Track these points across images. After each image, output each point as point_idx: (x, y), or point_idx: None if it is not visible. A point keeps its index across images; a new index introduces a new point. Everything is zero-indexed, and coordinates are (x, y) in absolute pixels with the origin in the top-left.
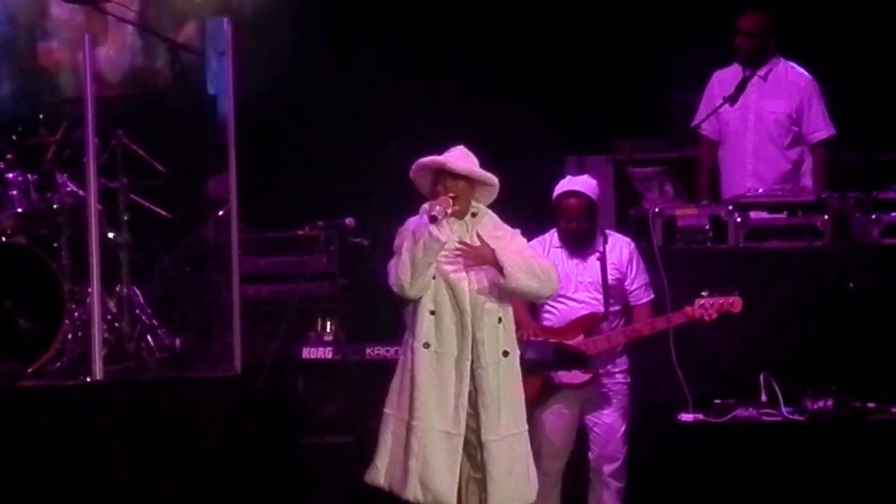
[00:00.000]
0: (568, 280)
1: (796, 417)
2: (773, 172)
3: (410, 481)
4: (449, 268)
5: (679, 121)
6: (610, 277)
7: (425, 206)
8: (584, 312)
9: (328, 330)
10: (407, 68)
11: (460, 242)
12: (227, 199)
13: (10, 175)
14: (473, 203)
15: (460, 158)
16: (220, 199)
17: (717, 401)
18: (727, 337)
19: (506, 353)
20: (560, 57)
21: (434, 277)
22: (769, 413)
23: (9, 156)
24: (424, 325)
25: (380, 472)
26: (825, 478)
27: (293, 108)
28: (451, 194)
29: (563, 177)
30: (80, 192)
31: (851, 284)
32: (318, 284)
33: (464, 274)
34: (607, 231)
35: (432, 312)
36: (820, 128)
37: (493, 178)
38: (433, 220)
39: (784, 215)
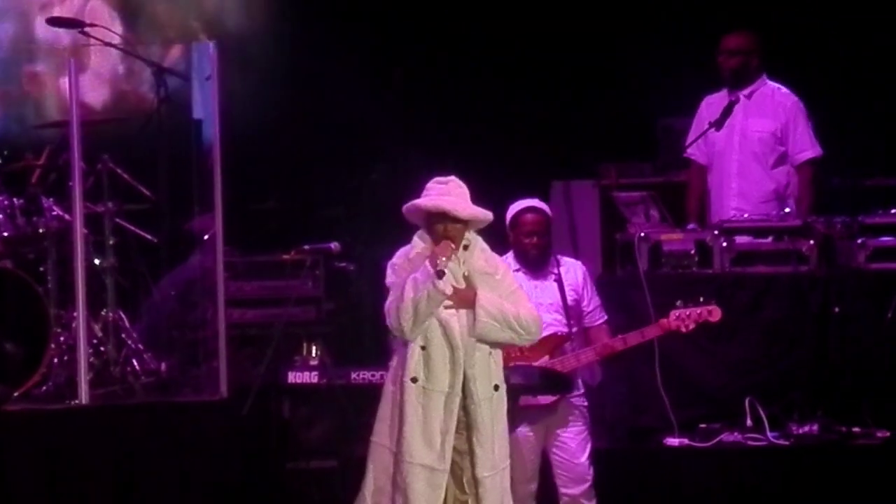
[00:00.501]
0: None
1: (782, 442)
2: (759, 192)
3: None
4: (442, 308)
5: (664, 145)
6: (568, 299)
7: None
8: (546, 333)
9: (314, 354)
10: (393, 94)
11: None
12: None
13: None
14: (467, 235)
15: (461, 201)
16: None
17: (703, 425)
18: (713, 361)
19: (496, 387)
20: (546, 82)
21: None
22: (754, 438)
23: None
24: (414, 360)
25: (366, 501)
26: (810, 503)
27: (279, 132)
28: (453, 242)
29: (548, 202)
30: (66, 217)
31: (837, 309)
32: (303, 309)
33: (454, 311)
34: (557, 255)
35: (423, 348)
36: (806, 147)
37: (490, 217)
38: (440, 275)
39: (770, 240)
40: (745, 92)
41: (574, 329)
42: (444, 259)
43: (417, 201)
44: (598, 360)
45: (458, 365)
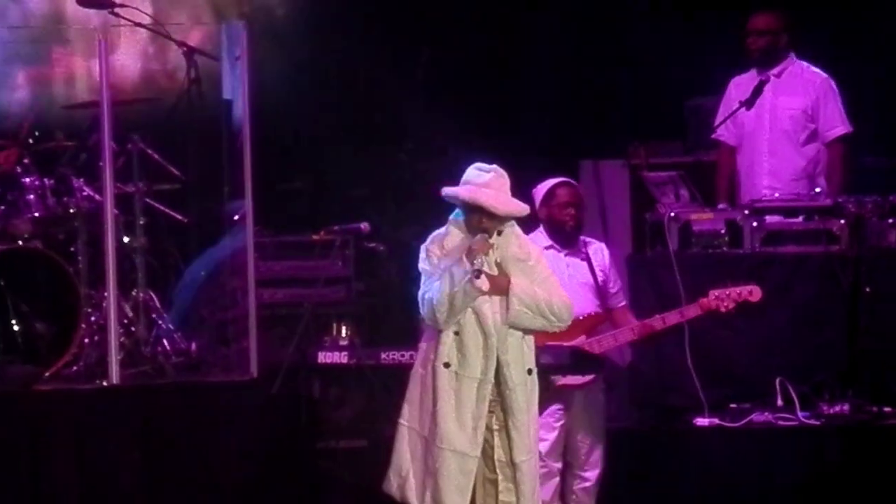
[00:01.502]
0: (563, 282)
1: (812, 422)
2: (790, 170)
3: (425, 498)
4: None
5: (693, 125)
6: (598, 279)
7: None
8: (585, 312)
9: (343, 334)
10: (420, 73)
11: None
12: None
13: (27, 179)
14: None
15: (501, 195)
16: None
17: (733, 405)
18: (743, 341)
19: (530, 371)
20: (574, 61)
21: None
22: (785, 418)
23: (25, 160)
24: (447, 346)
25: (393, 484)
26: (841, 483)
27: (309, 112)
28: (488, 233)
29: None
30: (97, 197)
31: (868, 289)
32: (333, 289)
33: (487, 297)
34: (583, 237)
35: (456, 333)
36: (836, 124)
37: (527, 210)
38: (478, 275)
39: (800, 219)
40: (775, 71)
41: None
42: (481, 257)
43: (457, 191)
44: (637, 341)
45: (491, 351)
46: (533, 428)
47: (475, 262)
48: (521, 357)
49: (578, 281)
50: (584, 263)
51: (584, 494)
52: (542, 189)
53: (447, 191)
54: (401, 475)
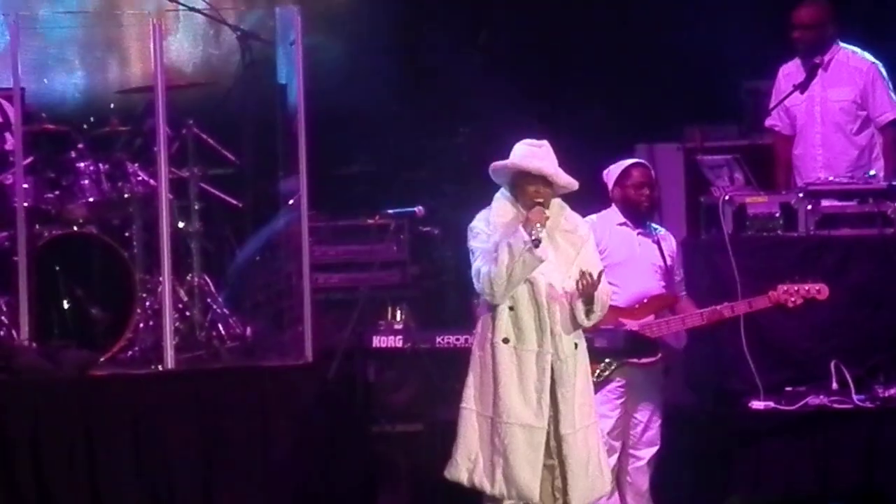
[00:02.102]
0: (635, 258)
1: (867, 405)
2: (844, 161)
3: (496, 477)
4: None
5: (749, 108)
6: (667, 263)
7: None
8: (655, 292)
9: (398, 318)
10: (478, 57)
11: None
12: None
13: (82, 164)
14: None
15: (551, 164)
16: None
17: (788, 388)
18: (798, 324)
19: (576, 345)
20: (630, 45)
21: None
22: (840, 400)
23: (80, 145)
24: (503, 321)
25: (461, 468)
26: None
27: (363, 96)
28: (545, 207)
29: None
30: (151, 182)
31: None
32: (388, 273)
33: (540, 269)
34: (652, 223)
35: (511, 308)
36: (886, 109)
37: (577, 185)
38: (537, 244)
39: (854, 203)
40: (822, 62)
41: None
42: (538, 226)
43: (517, 161)
44: (703, 327)
45: (544, 323)
46: (579, 402)
47: (533, 232)
48: (570, 329)
49: (649, 261)
50: (655, 245)
51: (638, 473)
52: (616, 170)
53: (498, 164)
54: (469, 459)
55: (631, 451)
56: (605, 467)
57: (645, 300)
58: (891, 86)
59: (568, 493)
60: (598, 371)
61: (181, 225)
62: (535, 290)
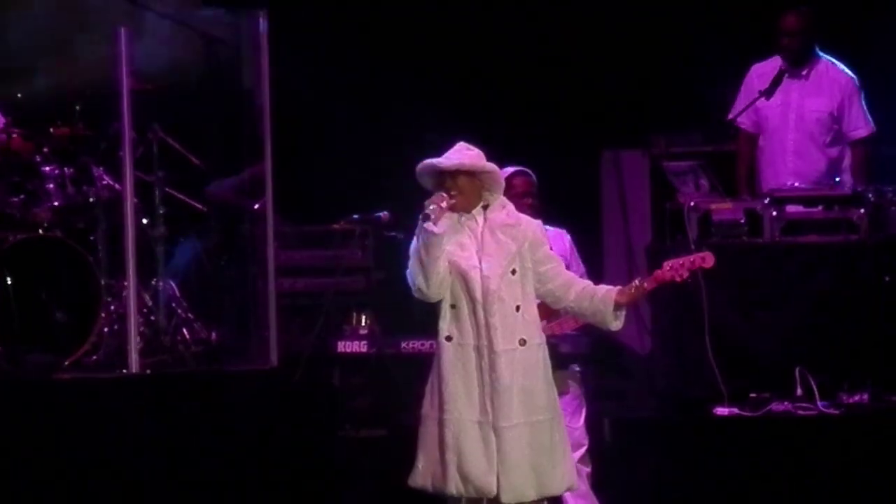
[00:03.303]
0: None
1: (832, 411)
2: (814, 171)
3: (450, 475)
4: (461, 261)
5: (714, 114)
6: None
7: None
8: None
9: (363, 324)
10: (443, 62)
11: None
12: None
13: (47, 168)
14: (486, 195)
15: (451, 155)
16: (257, 183)
17: (753, 395)
18: (763, 331)
19: (522, 342)
20: (595, 52)
21: (451, 273)
22: (805, 407)
23: (45, 149)
24: (447, 319)
25: (419, 473)
26: (861, 472)
27: (328, 101)
28: (450, 192)
29: (598, 172)
30: (117, 186)
31: (887, 278)
32: (353, 278)
33: (475, 263)
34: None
35: (453, 306)
36: (860, 125)
37: (488, 166)
38: (426, 218)
39: (820, 209)
40: (803, 71)
41: None
42: (433, 206)
43: (427, 162)
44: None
45: (479, 317)
46: (518, 399)
47: (426, 210)
48: (511, 324)
49: None
50: None
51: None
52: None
53: (418, 170)
54: (428, 464)
55: None
56: (562, 471)
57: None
58: (864, 102)
59: (499, 487)
60: None
61: (146, 229)
62: (468, 285)
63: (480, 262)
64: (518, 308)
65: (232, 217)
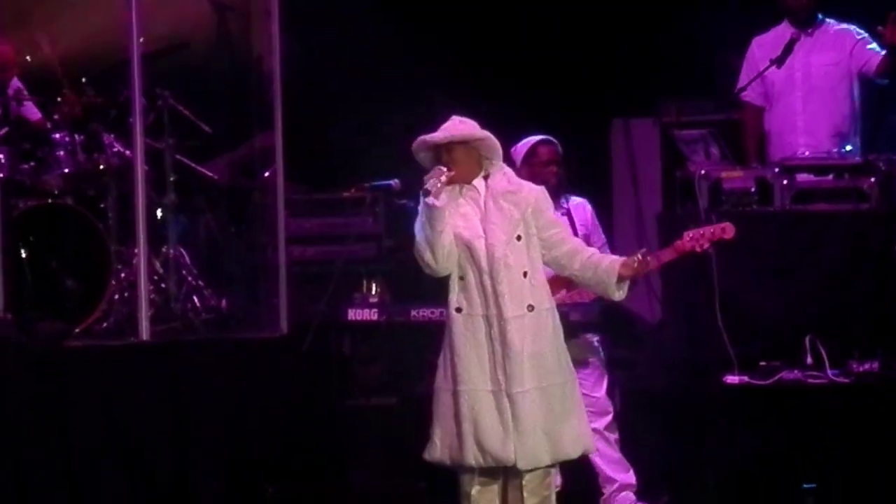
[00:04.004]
0: None
1: (842, 380)
2: (826, 127)
3: (467, 446)
4: (465, 232)
5: (724, 82)
6: (579, 234)
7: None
8: None
9: (373, 292)
10: (454, 31)
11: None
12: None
13: (57, 135)
14: (486, 164)
15: (445, 128)
16: (266, 151)
17: (763, 363)
18: (773, 299)
19: (531, 308)
20: (605, 19)
21: (457, 245)
22: (815, 376)
23: (55, 116)
24: (455, 291)
25: (437, 447)
26: (871, 440)
27: (340, 68)
28: (465, 170)
29: (609, 140)
30: (127, 153)
31: None
32: (363, 246)
33: (480, 233)
34: (565, 193)
35: (461, 277)
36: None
37: (481, 133)
38: (426, 192)
39: (830, 178)
40: (809, 30)
41: None
42: (433, 180)
43: (422, 138)
44: None
45: (487, 287)
46: (529, 364)
47: (426, 185)
48: (518, 291)
49: None
50: (565, 218)
51: (600, 442)
52: (522, 148)
53: (414, 147)
54: (443, 439)
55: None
56: (574, 435)
57: (555, 276)
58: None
59: (516, 455)
60: None
61: (157, 196)
62: (473, 254)
63: (485, 231)
64: (525, 274)
65: (243, 184)
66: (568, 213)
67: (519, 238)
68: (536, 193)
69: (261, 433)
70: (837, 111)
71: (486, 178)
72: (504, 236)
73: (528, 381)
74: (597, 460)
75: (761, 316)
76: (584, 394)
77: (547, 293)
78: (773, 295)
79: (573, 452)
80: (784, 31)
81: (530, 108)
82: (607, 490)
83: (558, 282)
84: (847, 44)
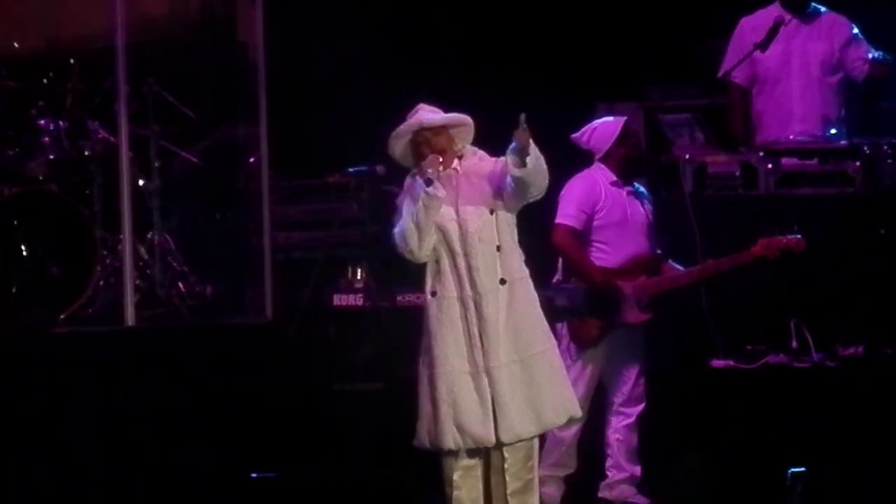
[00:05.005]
0: (627, 219)
1: (828, 363)
2: (820, 115)
3: (446, 429)
4: (439, 218)
5: (709, 67)
6: (651, 219)
7: (416, 171)
8: (645, 252)
9: (359, 277)
10: (438, 14)
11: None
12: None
13: (42, 122)
14: (459, 146)
15: (431, 113)
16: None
17: (749, 347)
18: (758, 282)
19: (503, 281)
20: (590, 4)
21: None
22: (800, 359)
23: (40, 102)
24: (431, 276)
25: (421, 434)
26: (856, 424)
27: (322, 54)
28: (441, 155)
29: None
30: (112, 140)
31: (882, 231)
32: (348, 232)
33: (453, 216)
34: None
35: (436, 261)
36: (870, 49)
37: (467, 118)
38: (429, 182)
39: (815, 162)
40: (803, 17)
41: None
42: (431, 170)
43: (397, 131)
44: (692, 282)
45: (461, 268)
46: (506, 337)
47: (427, 174)
48: (492, 265)
49: (638, 220)
50: (639, 203)
51: (628, 431)
52: (614, 128)
53: (391, 143)
54: (422, 423)
55: (621, 408)
56: (554, 401)
57: (639, 260)
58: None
59: (497, 429)
60: None
61: (141, 183)
62: (446, 237)
63: (458, 211)
64: (498, 248)
65: (228, 170)
66: (641, 201)
67: (492, 212)
68: (488, 160)
69: (246, 419)
70: (831, 100)
71: (460, 158)
72: (477, 211)
73: (506, 355)
74: (616, 445)
75: (747, 300)
76: (627, 378)
77: (519, 263)
78: (758, 278)
79: (558, 419)
80: (775, 13)
81: (515, 92)
82: (613, 476)
83: (646, 265)
84: (841, 35)
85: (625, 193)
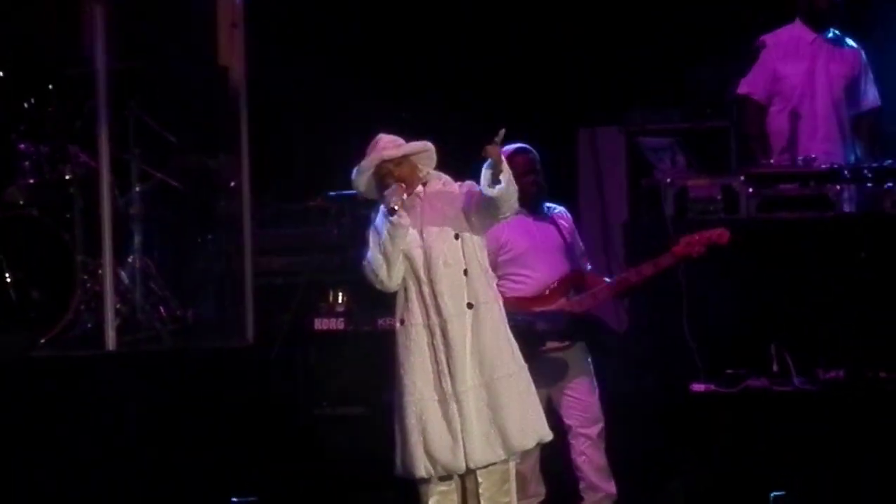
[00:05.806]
0: (535, 245)
1: (808, 388)
2: (840, 136)
3: (417, 457)
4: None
5: (692, 92)
6: (567, 241)
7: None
8: (562, 274)
9: (340, 301)
10: (418, 39)
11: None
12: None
13: (22, 146)
14: (422, 173)
15: (391, 145)
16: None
17: (729, 371)
18: (739, 307)
19: (470, 305)
20: (571, 28)
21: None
22: (781, 383)
23: (21, 127)
24: (400, 305)
25: (396, 461)
26: (837, 448)
27: (305, 79)
28: (400, 181)
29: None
30: (92, 164)
31: (863, 254)
32: (329, 256)
33: (418, 243)
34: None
35: (405, 289)
36: (876, 94)
37: (427, 144)
38: (392, 212)
39: (796, 186)
40: (828, 35)
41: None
42: (395, 199)
43: (360, 167)
44: (614, 295)
45: (426, 295)
46: (472, 361)
47: (391, 204)
48: (459, 290)
49: (548, 245)
50: (552, 226)
51: (592, 450)
52: None
53: (354, 179)
54: (399, 453)
55: (579, 430)
56: (516, 427)
57: (553, 284)
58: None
59: (466, 456)
60: None
61: (122, 207)
62: (412, 265)
63: (422, 236)
64: (466, 272)
65: (209, 194)
66: (554, 223)
67: (457, 237)
68: (454, 184)
69: (228, 443)
70: (848, 123)
71: (424, 185)
72: (442, 235)
73: (471, 378)
74: (584, 466)
75: (728, 324)
76: (577, 399)
77: (486, 287)
78: (739, 303)
79: (526, 443)
80: (798, 31)
81: (497, 117)
82: (588, 498)
83: (561, 288)
84: (858, 63)
85: (530, 220)
